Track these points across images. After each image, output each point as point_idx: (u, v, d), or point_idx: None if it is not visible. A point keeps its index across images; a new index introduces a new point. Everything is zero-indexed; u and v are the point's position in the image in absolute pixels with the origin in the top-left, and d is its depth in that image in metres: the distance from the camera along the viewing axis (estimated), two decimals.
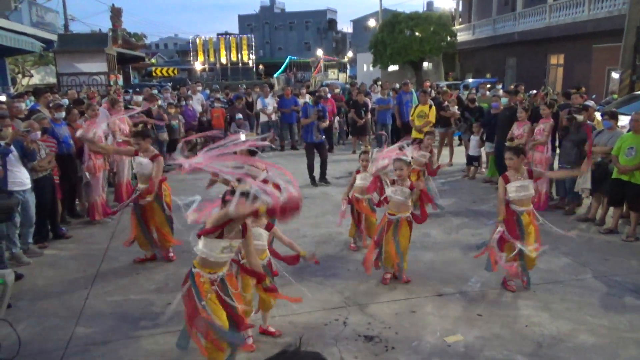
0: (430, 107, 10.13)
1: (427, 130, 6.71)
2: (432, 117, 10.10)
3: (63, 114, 7.18)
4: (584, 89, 13.16)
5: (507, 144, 5.26)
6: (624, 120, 8.24)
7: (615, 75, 16.13)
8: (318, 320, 4.39)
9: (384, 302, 4.71)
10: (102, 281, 5.28)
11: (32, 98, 9.94)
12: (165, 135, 10.82)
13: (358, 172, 6.20)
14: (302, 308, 4.58)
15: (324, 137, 9.74)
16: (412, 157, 7.18)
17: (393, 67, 34.24)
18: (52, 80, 24.61)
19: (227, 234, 3.31)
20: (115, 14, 34.47)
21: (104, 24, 61.13)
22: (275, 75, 45.28)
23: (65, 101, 9.54)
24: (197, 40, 52.94)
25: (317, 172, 9.56)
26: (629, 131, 6.49)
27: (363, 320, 4.39)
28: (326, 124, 9.94)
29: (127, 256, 5.86)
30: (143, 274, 5.51)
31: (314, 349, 3.41)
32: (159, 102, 11.29)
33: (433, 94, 13.94)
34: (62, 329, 4.31)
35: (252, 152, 4.90)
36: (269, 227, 4.12)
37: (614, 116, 7.00)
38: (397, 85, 13.58)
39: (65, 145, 6.97)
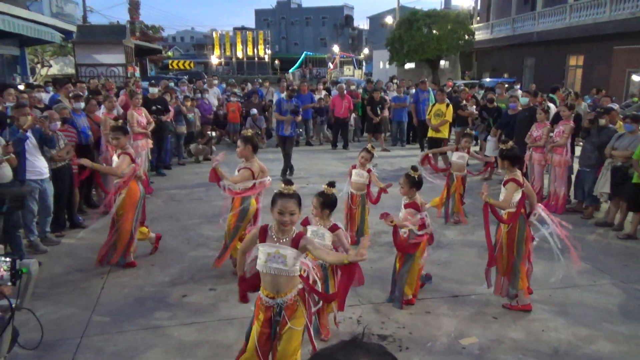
0: (448, 105, 10.05)
1: (467, 131, 6.77)
2: (449, 116, 10.03)
3: (82, 104, 7.25)
4: (604, 91, 12.98)
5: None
6: None
7: (635, 77, 15.87)
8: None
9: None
10: (118, 271, 5.33)
11: (52, 88, 10.04)
12: (183, 129, 10.89)
13: (354, 167, 6.27)
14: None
15: (299, 130, 10.14)
16: (451, 161, 7.24)
17: (409, 65, 34.00)
18: (71, 70, 24.88)
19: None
20: (134, 6, 34.75)
21: (122, 16, 61.55)
22: (290, 71, 45.31)
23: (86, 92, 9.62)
24: (214, 34, 53.08)
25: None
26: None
27: (377, 319, 4.37)
28: (299, 118, 10.29)
29: (142, 248, 5.91)
30: (158, 265, 5.55)
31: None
32: (178, 94, 11.37)
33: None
34: (78, 318, 4.36)
35: (254, 148, 4.95)
36: (333, 229, 3.83)
37: (636, 120, 6.87)
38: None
39: (84, 135, 7.04)
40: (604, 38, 19.97)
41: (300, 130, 13.66)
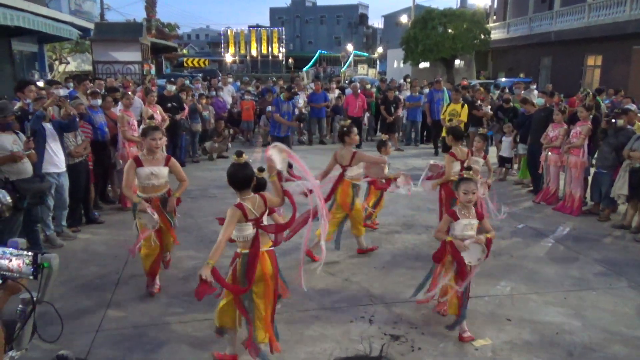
0: (463, 105, 9.97)
1: (481, 131, 6.48)
2: (464, 116, 9.94)
3: (99, 101, 7.33)
4: (622, 92, 12.78)
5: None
6: None
7: None
8: (344, 317, 4.38)
9: (411, 302, 4.67)
10: (133, 267, 5.38)
11: (72, 84, 10.17)
12: (198, 126, 10.97)
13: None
14: (330, 304, 4.60)
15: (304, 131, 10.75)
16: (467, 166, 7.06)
17: (424, 64, 33.84)
18: (88, 67, 25.18)
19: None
20: (150, 4, 34.98)
21: (138, 14, 62.04)
22: (304, 69, 45.28)
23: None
24: (229, 32, 53.34)
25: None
26: None
27: (389, 319, 4.37)
28: (296, 124, 10.22)
29: None
30: (172, 261, 5.59)
31: (340, 345, 3.39)
32: (194, 92, 11.45)
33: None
34: (93, 312, 4.42)
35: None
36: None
37: None
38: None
39: (100, 132, 7.12)
40: (623, 38, 19.65)
41: (304, 132, 13.70)
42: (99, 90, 7.75)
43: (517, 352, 3.86)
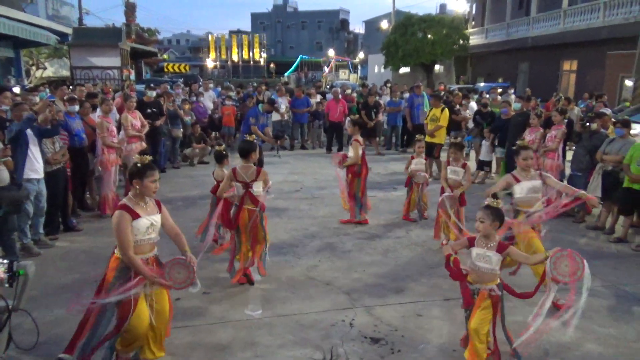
0: (442, 110, 10.10)
1: (454, 141, 6.38)
2: (444, 120, 10.05)
3: (76, 107, 7.25)
4: (605, 96, 13.10)
5: (518, 142, 4.79)
6: (636, 129, 8.20)
7: (628, 82, 16.02)
8: (325, 321, 4.41)
9: (391, 305, 4.72)
10: None
11: (48, 90, 10.04)
12: (179, 132, 10.91)
13: (413, 157, 7.34)
14: (311, 308, 4.62)
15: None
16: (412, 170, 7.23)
17: (404, 69, 34.18)
18: (66, 73, 24.87)
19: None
20: (130, 8, 34.70)
21: (118, 19, 61.56)
22: (286, 74, 45.39)
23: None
24: (210, 37, 53.19)
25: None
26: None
27: (370, 322, 4.41)
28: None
29: None
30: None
31: (321, 349, 3.41)
32: (174, 98, 11.39)
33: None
34: (73, 320, 4.35)
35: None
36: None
37: (626, 124, 6.95)
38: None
39: (78, 138, 7.04)
40: (598, 43, 20.17)
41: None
42: (75, 97, 7.65)
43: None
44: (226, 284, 5.15)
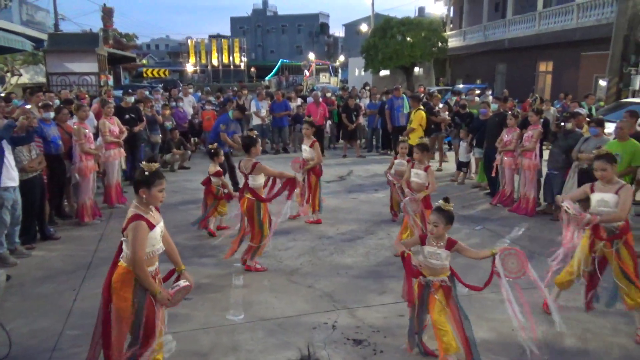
0: (416, 111, 10.21)
1: (420, 142, 6.35)
2: (415, 122, 10.17)
3: (51, 114, 7.14)
4: (593, 97, 13.35)
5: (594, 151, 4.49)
6: (610, 128, 8.36)
7: (602, 82, 16.36)
8: (307, 324, 4.41)
9: (373, 306, 4.74)
10: (91, 283, 5.25)
11: (19, 97, 9.86)
12: (158, 138, 10.80)
13: (395, 158, 7.37)
14: (293, 312, 4.61)
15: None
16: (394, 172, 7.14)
17: (384, 72, 34.42)
18: (42, 79, 24.41)
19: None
20: (107, 13, 34.35)
21: (95, 24, 60.73)
22: (266, 79, 45.33)
23: (57, 101, 9.48)
24: (189, 42, 52.88)
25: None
26: (614, 139, 6.59)
27: (352, 323, 4.42)
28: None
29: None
30: None
31: (304, 352, 3.42)
32: (153, 104, 11.27)
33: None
34: (50, 331, 4.29)
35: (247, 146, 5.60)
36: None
37: (600, 123, 7.10)
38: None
39: (54, 145, 6.92)
40: (572, 44, 20.58)
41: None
42: (50, 103, 7.53)
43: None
44: (207, 289, 5.12)
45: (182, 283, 3.39)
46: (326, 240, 6.65)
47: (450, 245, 3.75)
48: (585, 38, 19.38)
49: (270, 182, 5.83)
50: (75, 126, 7.21)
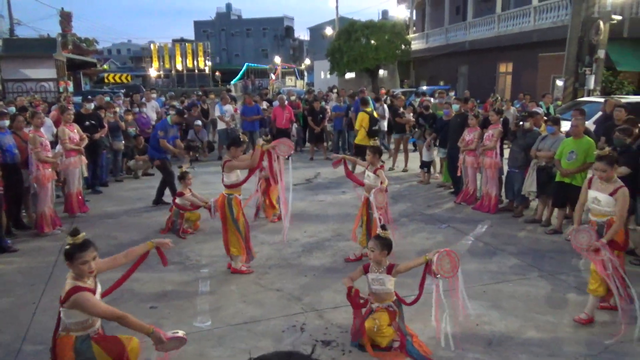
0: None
1: (372, 143, 6.34)
2: (357, 123, 10.56)
3: (6, 122, 6.90)
4: (550, 97, 13.77)
5: (597, 152, 4.53)
6: (568, 126, 8.66)
7: (559, 82, 16.92)
8: (276, 327, 4.40)
9: (342, 307, 4.76)
10: (51, 295, 5.08)
11: None
12: (120, 144, 10.56)
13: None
14: (261, 316, 4.59)
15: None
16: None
17: (350, 75, 34.70)
18: None
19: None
20: (65, 18, 33.44)
21: (53, 29, 59.02)
22: (232, 82, 45.01)
23: (12, 109, 9.17)
24: (152, 46, 52.07)
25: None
26: (569, 136, 6.83)
27: (321, 325, 4.43)
28: (183, 153, 10.12)
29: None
30: None
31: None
32: (116, 109, 11.02)
33: (389, 100, 14.28)
34: (7, 347, 4.14)
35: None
36: None
37: (556, 122, 7.35)
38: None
39: (9, 154, 6.69)
40: (530, 46, 21.22)
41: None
42: (6, 111, 7.28)
43: (441, 346, 4.05)
44: (173, 296, 5.04)
45: (180, 333, 3.31)
46: (294, 242, 6.64)
47: (390, 269, 4.03)
48: (542, 40, 20.02)
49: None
50: (31, 134, 6.98)
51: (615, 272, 4.13)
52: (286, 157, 5.93)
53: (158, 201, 8.56)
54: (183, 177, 7.39)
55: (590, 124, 8.84)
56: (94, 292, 3.23)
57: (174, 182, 8.31)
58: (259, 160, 5.58)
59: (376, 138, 10.54)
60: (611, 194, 4.30)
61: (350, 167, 6.75)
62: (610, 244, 4.22)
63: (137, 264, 3.77)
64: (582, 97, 14.91)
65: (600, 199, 4.37)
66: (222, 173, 5.64)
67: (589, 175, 4.69)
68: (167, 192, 8.41)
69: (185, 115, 9.14)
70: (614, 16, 15.37)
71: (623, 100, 9.08)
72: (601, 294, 4.37)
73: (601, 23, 14.93)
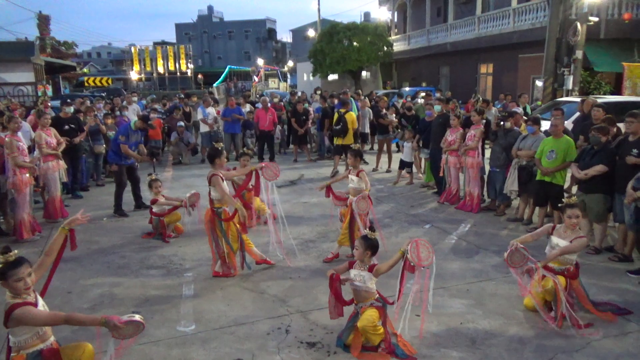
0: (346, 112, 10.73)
1: (354, 146, 6.38)
2: (349, 124, 10.66)
3: None
4: (526, 96, 13.95)
5: (564, 200, 4.77)
6: (547, 126, 8.78)
7: (539, 83, 17.18)
8: (261, 329, 4.37)
9: (326, 308, 4.70)
10: None
11: None
12: (101, 148, 10.42)
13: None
14: (246, 319, 4.56)
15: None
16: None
17: (333, 77, 34.78)
18: None
19: None
20: (43, 21, 32.92)
21: (31, 32, 58.11)
22: (215, 85, 44.75)
23: None
24: (133, 49, 51.56)
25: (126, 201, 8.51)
26: (549, 135, 6.93)
27: (305, 326, 4.41)
28: (147, 159, 10.17)
29: (57, 275, 5.57)
30: (75, 292, 5.27)
31: (257, 359, 3.37)
32: (96, 113, 10.87)
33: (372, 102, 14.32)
34: None
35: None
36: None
37: (536, 122, 7.45)
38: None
39: None
40: (510, 47, 21.50)
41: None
42: None
43: (425, 344, 4.07)
44: (156, 301, 4.98)
45: (137, 317, 3.14)
46: (277, 244, 6.60)
47: (372, 268, 4.10)
48: (522, 41, 20.30)
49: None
50: (7, 139, 6.84)
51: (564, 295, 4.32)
52: (270, 181, 6.09)
53: (139, 205, 8.50)
54: (151, 185, 7.37)
55: (568, 124, 8.99)
56: (35, 305, 3.16)
57: (122, 193, 8.30)
58: (247, 178, 5.95)
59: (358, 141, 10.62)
60: (571, 242, 4.47)
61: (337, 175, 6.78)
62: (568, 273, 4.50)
63: (60, 255, 3.68)
64: (561, 97, 15.15)
65: (562, 245, 4.50)
66: (210, 186, 5.49)
67: (552, 224, 4.84)
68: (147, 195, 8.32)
69: (151, 122, 8.91)
70: (591, 18, 15.68)
71: (600, 100, 9.23)
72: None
73: (579, 24, 15.21)
